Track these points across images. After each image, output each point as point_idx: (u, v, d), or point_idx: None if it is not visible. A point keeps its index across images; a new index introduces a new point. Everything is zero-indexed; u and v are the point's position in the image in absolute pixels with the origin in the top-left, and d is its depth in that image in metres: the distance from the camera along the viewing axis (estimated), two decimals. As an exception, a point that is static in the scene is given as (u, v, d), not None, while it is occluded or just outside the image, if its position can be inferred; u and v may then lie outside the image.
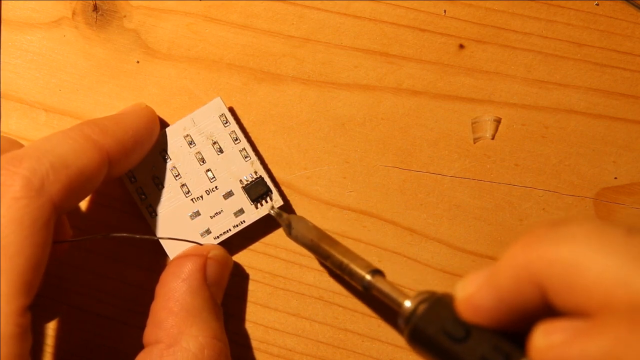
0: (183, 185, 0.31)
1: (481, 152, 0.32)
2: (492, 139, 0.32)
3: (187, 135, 0.31)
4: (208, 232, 0.31)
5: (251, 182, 0.31)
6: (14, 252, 0.24)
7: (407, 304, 0.24)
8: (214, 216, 0.31)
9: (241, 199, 0.31)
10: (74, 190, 0.26)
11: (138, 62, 0.32)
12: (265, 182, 0.31)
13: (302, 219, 0.30)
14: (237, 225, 0.31)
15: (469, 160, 0.32)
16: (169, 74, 0.32)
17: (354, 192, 0.32)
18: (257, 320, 0.32)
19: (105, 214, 0.32)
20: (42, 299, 0.32)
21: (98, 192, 0.32)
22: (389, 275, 0.32)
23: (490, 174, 0.32)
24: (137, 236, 0.30)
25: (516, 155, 0.32)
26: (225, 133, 0.31)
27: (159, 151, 0.31)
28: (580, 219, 0.21)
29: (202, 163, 0.31)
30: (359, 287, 0.28)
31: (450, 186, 0.32)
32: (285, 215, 0.30)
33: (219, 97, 0.31)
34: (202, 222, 0.31)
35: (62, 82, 0.32)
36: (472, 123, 0.32)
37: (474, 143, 0.32)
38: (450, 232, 0.32)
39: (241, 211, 0.31)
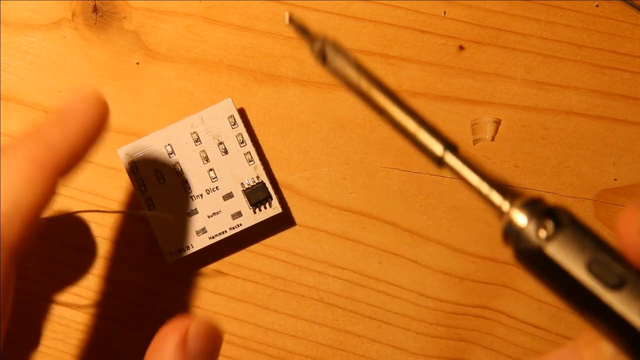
0: (185, 182, 0.31)
1: (481, 154, 0.32)
2: (492, 140, 0.32)
3: (194, 133, 0.31)
4: (204, 231, 0.31)
5: (252, 186, 0.31)
6: None
7: (521, 219, 0.19)
8: (212, 216, 0.31)
9: (240, 202, 0.31)
10: (30, 229, 0.24)
11: (138, 63, 0.32)
12: (266, 188, 0.31)
13: (339, 48, 0.23)
14: (233, 228, 0.31)
15: (468, 162, 0.32)
16: (169, 76, 0.32)
17: (354, 194, 0.32)
18: (257, 321, 0.32)
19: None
20: (39, 299, 0.32)
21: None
22: (389, 276, 0.32)
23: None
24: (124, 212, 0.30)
25: (516, 157, 0.32)
26: (232, 135, 0.31)
27: (165, 145, 0.31)
28: None
29: (205, 162, 0.31)
30: (431, 159, 0.23)
31: (450, 188, 0.32)
32: (312, 34, 0.24)
33: (230, 99, 0.31)
34: (199, 221, 0.31)
35: (61, 83, 0.32)
36: (472, 124, 0.32)
37: (474, 144, 0.32)
38: (450, 233, 0.32)
39: (239, 214, 0.31)
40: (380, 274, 0.32)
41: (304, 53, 0.32)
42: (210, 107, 0.31)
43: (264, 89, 0.32)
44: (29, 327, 0.32)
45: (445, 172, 0.32)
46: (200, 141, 0.31)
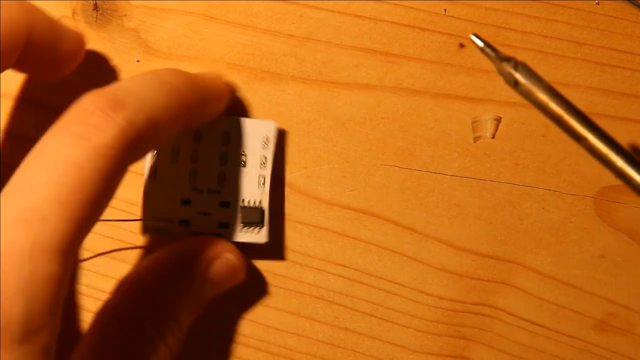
0: (194, 170, 0.31)
1: (481, 151, 0.32)
2: (492, 138, 0.32)
3: (226, 132, 0.31)
4: (187, 224, 0.31)
5: (251, 207, 0.30)
6: (79, 197, 0.22)
7: None
8: (201, 214, 0.31)
9: (232, 215, 0.31)
10: (155, 146, 0.26)
11: (138, 61, 0.32)
12: (263, 216, 0.30)
13: (530, 71, 0.23)
14: (215, 234, 0.30)
15: (469, 160, 0.32)
16: (169, 73, 0.32)
17: (354, 192, 0.32)
18: (257, 319, 0.32)
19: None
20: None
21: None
22: (389, 273, 0.32)
23: (490, 173, 0.32)
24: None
25: (516, 154, 0.32)
26: (258, 153, 0.31)
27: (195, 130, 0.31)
28: None
29: (222, 163, 0.31)
30: (633, 190, 0.23)
31: (450, 185, 0.32)
32: (501, 55, 0.24)
33: (274, 123, 0.31)
34: (187, 212, 0.31)
35: (61, 81, 0.32)
36: (472, 122, 0.32)
37: (474, 142, 0.32)
38: (451, 231, 0.32)
39: (226, 225, 0.30)
40: (381, 271, 0.32)
41: (304, 51, 0.32)
42: (252, 119, 0.31)
43: (264, 86, 0.32)
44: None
45: (446, 170, 0.32)
46: (229, 143, 0.31)
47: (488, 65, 0.32)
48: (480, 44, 0.24)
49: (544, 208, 0.32)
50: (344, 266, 0.32)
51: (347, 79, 0.32)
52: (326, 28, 0.32)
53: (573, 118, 0.23)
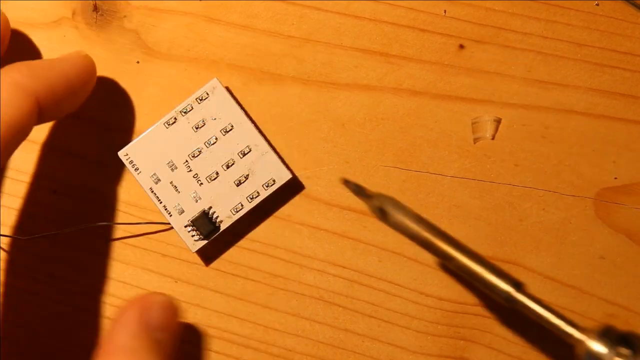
0: (191, 162, 0.31)
1: (481, 152, 0.32)
2: (492, 139, 0.32)
3: (241, 151, 0.31)
4: (163, 206, 0.31)
5: (212, 219, 0.31)
6: None
7: (600, 348, 0.22)
8: (177, 205, 0.31)
9: (190, 214, 0.31)
10: (5, 144, 0.26)
11: (138, 62, 0.32)
12: (211, 235, 0.31)
13: (393, 201, 0.26)
14: (164, 223, 0.31)
15: (469, 161, 0.32)
16: (169, 74, 0.32)
17: (354, 192, 0.32)
18: (257, 320, 0.32)
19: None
20: (37, 298, 0.32)
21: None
22: (389, 274, 0.32)
23: (490, 174, 0.32)
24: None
25: (516, 156, 0.32)
26: (260, 188, 0.31)
27: (221, 129, 0.31)
28: None
29: (225, 168, 0.31)
30: (500, 300, 0.25)
31: (450, 186, 0.32)
32: (369, 193, 0.27)
33: (292, 177, 0.31)
34: (168, 195, 0.31)
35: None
36: (472, 123, 0.32)
37: (474, 143, 0.32)
38: (450, 232, 0.32)
39: (181, 220, 0.31)
40: (381, 272, 0.32)
41: (304, 52, 0.32)
42: (278, 162, 0.31)
43: (264, 87, 0.32)
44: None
45: (446, 171, 0.32)
46: (233, 162, 0.31)
47: (488, 66, 0.32)
48: (351, 188, 0.27)
49: (543, 209, 0.32)
50: (344, 267, 0.32)
51: (347, 80, 0.32)
52: (326, 29, 0.32)
53: (441, 241, 0.25)
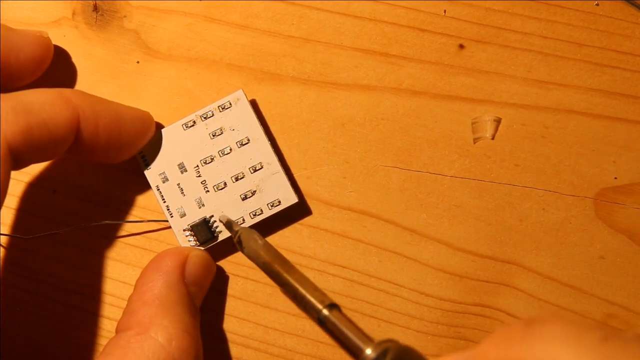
0: (202, 168, 0.31)
1: (481, 152, 0.32)
2: (492, 139, 0.32)
3: (253, 166, 0.31)
4: (166, 205, 0.31)
5: (210, 228, 0.31)
6: None
7: (369, 352, 0.25)
8: (179, 208, 0.31)
9: (191, 218, 0.31)
10: (34, 139, 0.26)
11: (138, 62, 0.32)
12: (207, 242, 0.31)
13: (252, 233, 0.30)
14: (164, 221, 0.31)
15: (469, 160, 0.32)
16: (169, 74, 0.32)
17: (354, 192, 0.32)
18: (257, 320, 0.32)
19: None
20: (37, 298, 0.32)
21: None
22: (389, 274, 0.32)
23: (490, 174, 0.32)
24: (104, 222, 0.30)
25: (516, 155, 0.32)
26: (266, 208, 0.31)
27: (237, 140, 0.31)
28: (555, 319, 0.20)
29: (233, 180, 0.31)
30: (314, 320, 0.28)
31: (450, 186, 0.32)
32: (236, 227, 0.30)
33: (298, 200, 0.31)
34: (175, 198, 0.31)
35: (61, 82, 0.32)
36: (472, 123, 0.32)
37: (474, 143, 0.32)
38: (450, 232, 0.32)
39: (182, 225, 0.31)
40: (381, 272, 0.32)
41: (304, 52, 0.32)
42: (287, 185, 0.31)
43: (264, 87, 0.32)
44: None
45: (445, 171, 0.32)
46: (242, 176, 0.31)
47: (488, 66, 0.32)
48: (224, 223, 0.30)
49: (543, 209, 0.32)
50: (344, 267, 0.32)
51: (347, 80, 0.32)
52: (326, 29, 0.32)
53: (280, 268, 0.29)
